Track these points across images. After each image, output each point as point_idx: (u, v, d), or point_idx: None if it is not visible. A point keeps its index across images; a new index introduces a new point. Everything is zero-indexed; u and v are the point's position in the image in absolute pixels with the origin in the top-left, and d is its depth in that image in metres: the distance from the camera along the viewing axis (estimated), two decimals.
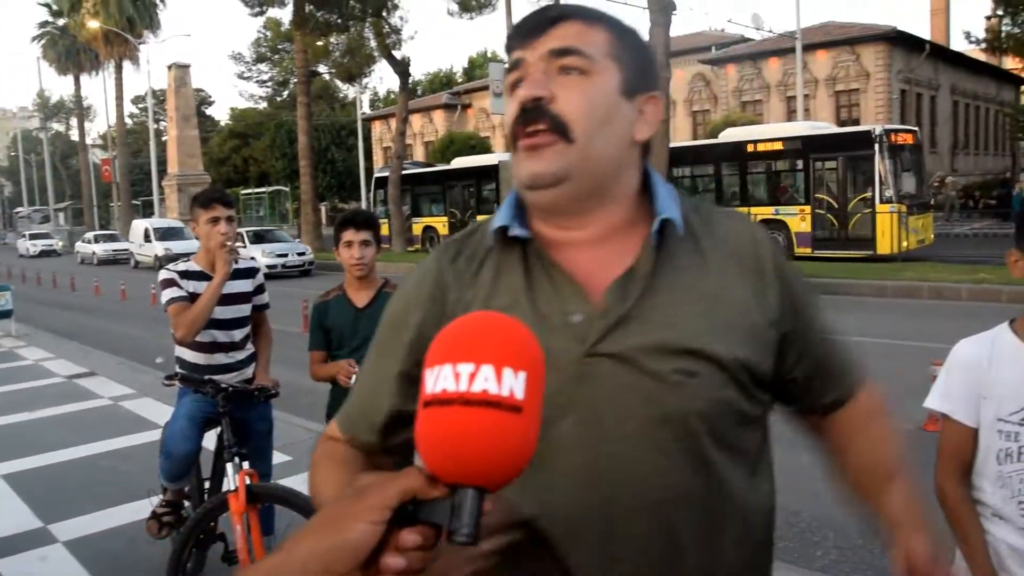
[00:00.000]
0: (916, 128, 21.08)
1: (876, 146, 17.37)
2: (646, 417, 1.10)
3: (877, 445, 1.37)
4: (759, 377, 1.18)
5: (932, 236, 19.37)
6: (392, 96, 57.23)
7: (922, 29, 56.25)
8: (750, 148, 20.16)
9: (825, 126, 21.64)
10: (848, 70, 34.44)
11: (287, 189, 46.88)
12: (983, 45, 32.11)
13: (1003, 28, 30.52)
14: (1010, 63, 40.41)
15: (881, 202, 17.47)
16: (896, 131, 18.65)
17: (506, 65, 1.23)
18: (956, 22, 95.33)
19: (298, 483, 5.07)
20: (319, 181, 38.41)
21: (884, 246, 17.53)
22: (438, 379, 0.75)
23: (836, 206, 18.45)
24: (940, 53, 38.10)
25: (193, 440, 3.93)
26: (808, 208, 18.70)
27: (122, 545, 4.57)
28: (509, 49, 1.22)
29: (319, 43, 31.50)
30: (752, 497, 1.21)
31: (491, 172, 24.36)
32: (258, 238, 25.63)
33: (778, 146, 19.68)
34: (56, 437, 6.81)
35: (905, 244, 17.23)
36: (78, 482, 5.61)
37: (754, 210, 18.76)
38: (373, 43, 31.32)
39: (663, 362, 1.10)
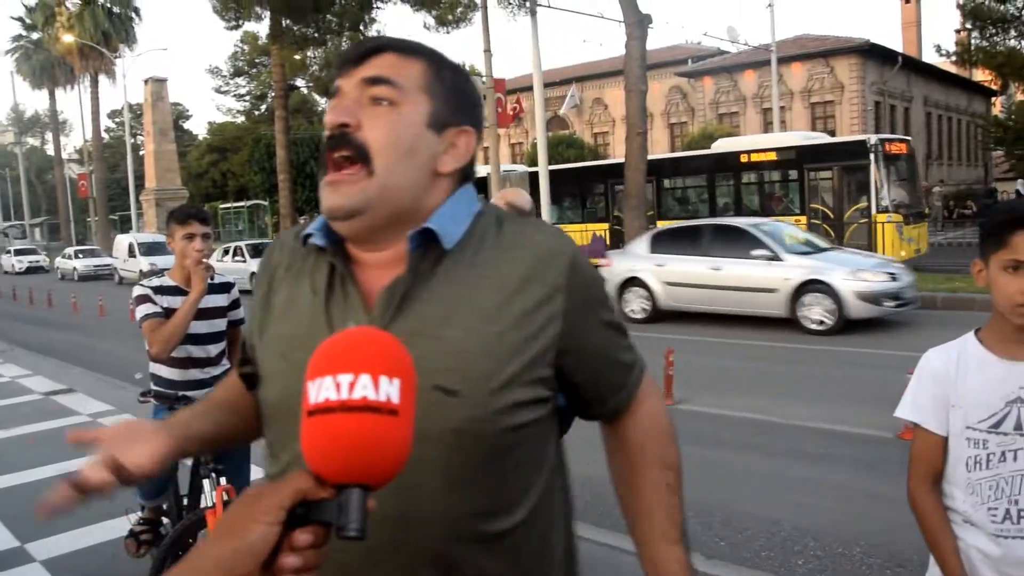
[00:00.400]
0: (909, 138, 21.06)
1: (872, 156, 17.27)
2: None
3: (652, 498, 1.37)
4: (532, 391, 1.19)
5: (926, 246, 19.24)
6: None
7: (895, 42, 56.91)
8: (744, 158, 20.05)
9: (819, 136, 21.52)
10: (823, 82, 34.81)
11: (266, 203, 46.68)
12: (954, 58, 32.55)
13: (972, 41, 30.95)
14: (980, 75, 40.95)
15: (878, 212, 17.40)
16: (891, 140, 18.59)
17: (332, 89, 1.26)
18: (927, 35, 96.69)
19: None
20: (298, 195, 38.28)
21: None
22: (320, 390, 0.81)
23: (832, 216, 18.40)
24: (912, 65, 38.62)
25: None
26: (804, 219, 18.52)
27: (101, 563, 4.52)
28: (336, 75, 1.25)
29: (296, 57, 31.47)
30: (518, 530, 1.21)
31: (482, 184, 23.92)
32: (256, 252, 25.36)
33: (772, 156, 19.58)
34: (32, 455, 6.72)
35: (903, 254, 16.82)
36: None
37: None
38: None
39: (422, 378, 1.06)
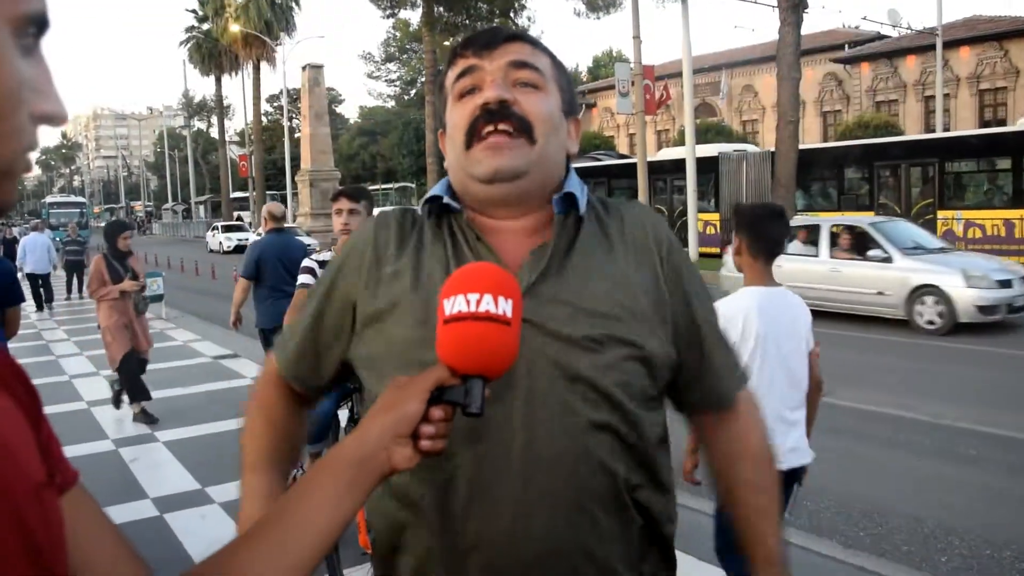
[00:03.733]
0: None
1: None
2: (555, 376, 1.22)
3: (753, 488, 1.43)
4: (655, 359, 1.29)
5: None
6: None
7: None
8: None
9: None
10: (994, 67, 32.77)
11: (413, 186, 48.01)
12: None
13: None
14: None
15: None
16: None
17: (455, 71, 1.34)
18: None
19: None
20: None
21: None
22: (454, 304, 1.01)
23: None
24: None
25: (331, 400, 4.29)
26: None
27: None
28: (458, 57, 1.34)
29: (447, 43, 32.21)
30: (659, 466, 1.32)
31: (711, 164, 22.79)
32: None
33: None
34: (208, 411, 7.44)
35: None
36: (230, 452, 6.02)
37: None
38: None
39: (573, 329, 1.24)
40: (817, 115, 38.41)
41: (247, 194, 54.70)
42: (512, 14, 29.99)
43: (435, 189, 1.37)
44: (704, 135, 30.44)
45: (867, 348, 10.46)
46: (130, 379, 7.29)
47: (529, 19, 44.03)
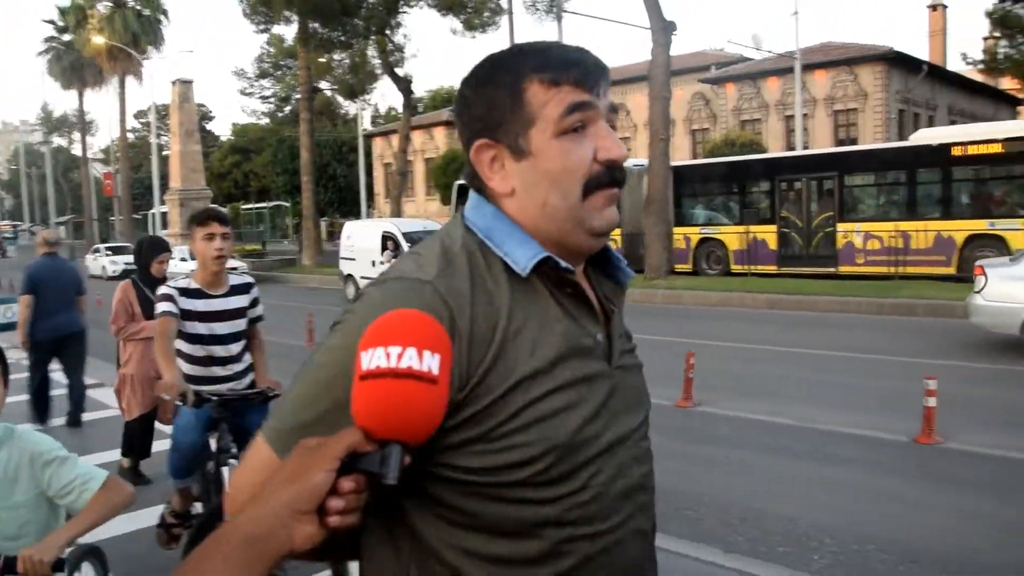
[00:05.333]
0: None
1: None
2: (641, 413, 1.30)
3: None
4: None
5: None
6: (393, 113, 57.59)
7: (920, 50, 56.71)
8: (957, 152, 17.82)
9: None
10: (846, 89, 34.74)
11: (287, 204, 47.08)
12: (981, 66, 32.43)
13: (1000, 50, 30.85)
14: (1007, 84, 40.72)
15: None
16: None
17: (564, 102, 1.17)
18: (953, 43, 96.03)
19: None
20: (320, 196, 38.62)
21: None
22: (372, 358, 0.92)
23: None
24: (937, 73, 38.41)
25: (197, 432, 4.17)
26: None
27: (144, 549, 4.72)
28: (565, 82, 1.17)
29: (322, 60, 31.80)
30: None
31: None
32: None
33: (997, 149, 17.27)
34: (68, 443, 6.99)
35: None
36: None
37: (961, 223, 17.48)
38: (376, 60, 31.63)
39: (637, 367, 1.34)
40: (687, 133, 39.77)
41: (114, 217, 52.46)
42: (388, 31, 29.86)
43: (524, 246, 1.18)
44: None
45: (734, 356, 10.89)
46: (138, 436, 6.29)
47: (405, 36, 43.98)
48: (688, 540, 4.72)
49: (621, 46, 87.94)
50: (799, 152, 24.78)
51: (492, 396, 1.08)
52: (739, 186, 21.72)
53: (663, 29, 19.04)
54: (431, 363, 0.92)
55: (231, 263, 4.17)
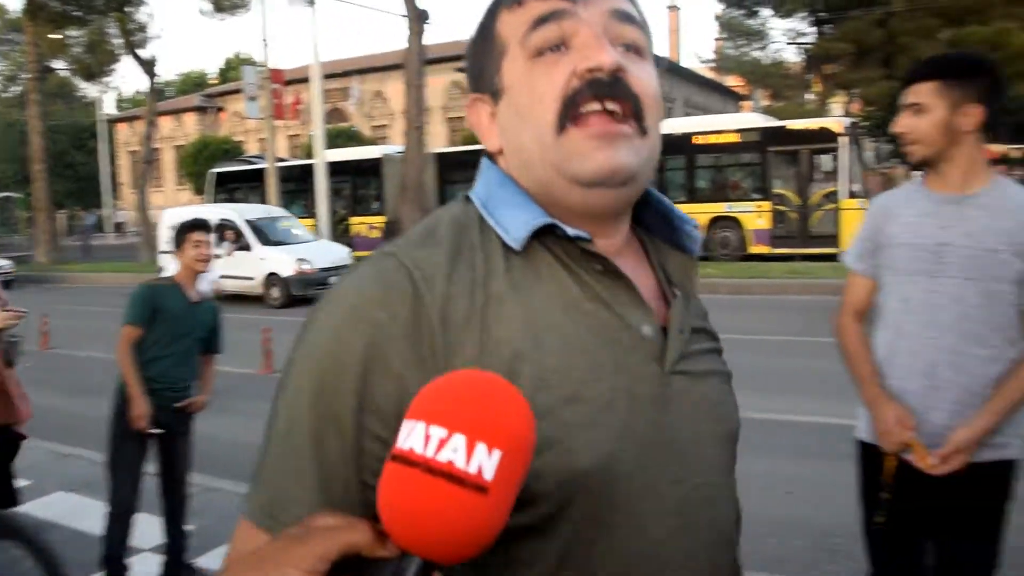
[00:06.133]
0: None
1: (842, 140, 17.36)
2: (716, 437, 0.98)
3: None
4: None
5: None
6: (139, 97, 54.18)
7: (660, 47, 60.95)
8: (698, 140, 19.31)
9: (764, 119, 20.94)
10: None
11: (19, 196, 43.12)
12: (711, 64, 35.52)
13: (726, 51, 33.93)
14: (731, 81, 44.81)
15: (847, 198, 17.32)
16: (857, 124, 18.77)
17: (530, 15, 0.94)
18: (690, 43, 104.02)
19: (38, 507, 5.06)
20: (56, 187, 35.70)
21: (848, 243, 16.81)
22: (410, 435, 0.67)
23: (797, 202, 18.14)
24: (674, 69, 41.52)
25: None
26: (768, 204, 18.38)
27: None
28: None
29: (54, 36, 29.38)
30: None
31: (374, 167, 23.27)
32: None
33: (733, 138, 19.09)
34: None
35: None
36: None
37: (703, 206, 18.62)
38: (117, 40, 29.68)
39: (717, 374, 1.02)
40: (443, 121, 40.45)
41: None
42: (129, 8, 28.05)
43: (518, 211, 0.93)
44: (334, 140, 30.83)
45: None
46: None
47: (150, 15, 41.53)
48: None
49: (381, 34, 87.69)
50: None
51: None
52: None
53: (417, 18, 19.29)
54: (484, 463, 0.65)
55: None
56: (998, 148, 25.81)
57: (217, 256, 16.15)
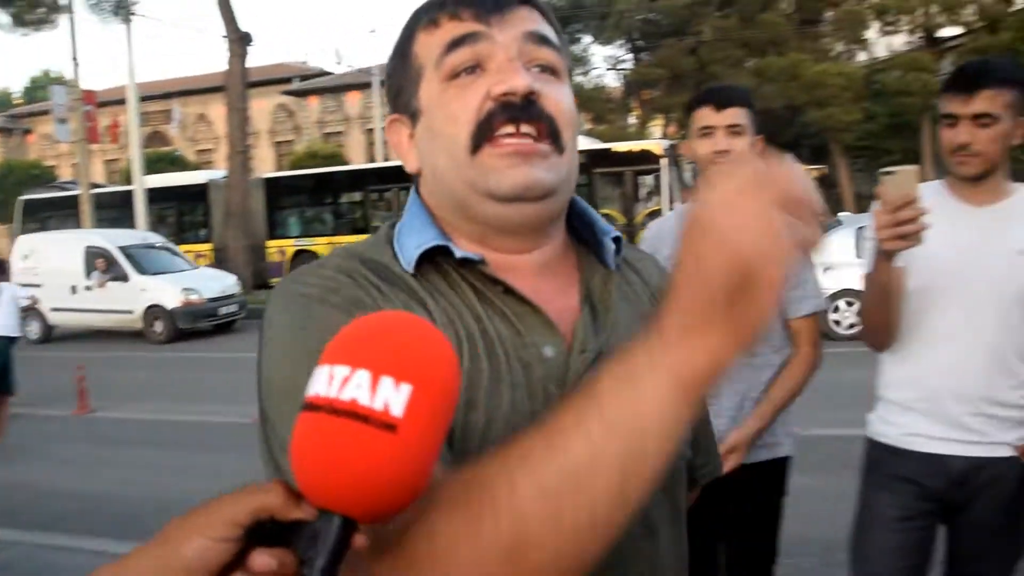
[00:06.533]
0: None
1: (663, 161, 17.94)
2: None
3: None
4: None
5: None
6: None
7: None
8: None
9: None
10: None
11: None
12: None
13: None
14: None
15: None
16: (675, 146, 19.06)
17: (443, 37, 0.96)
18: None
19: None
20: None
21: None
22: (315, 380, 0.64)
23: (622, 221, 18.39)
24: None
25: None
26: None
27: None
28: (444, 16, 0.97)
29: None
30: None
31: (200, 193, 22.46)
32: None
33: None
34: None
35: None
36: None
37: None
38: None
39: None
40: (270, 145, 39.58)
41: None
42: None
43: (416, 232, 0.97)
44: (156, 165, 29.58)
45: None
46: None
47: None
48: None
49: (204, 55, 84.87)
50: (391, 163, 26.07)
51: None
52: (332, 197, 22.29)
53: (239, 40, 18.89)
54: (390, 398, 0.61)
55: None
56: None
57: (87, 288, 14.93)
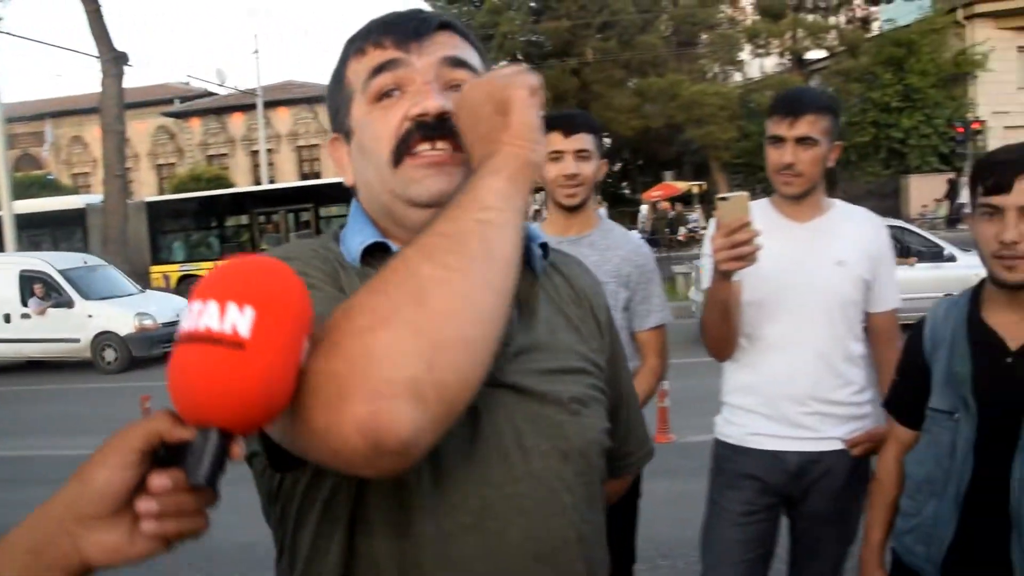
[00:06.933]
0: None
1: None
2: (550, 451, 1.03)
3: None
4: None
5: None
6: None
7: None
8: None
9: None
10: (308, 126, 36.55)
11: None
12: None
13: None
14: None
15: None
16: None
17: (369, 64, 1.09)
18: None
19: None
20: None
21: None
22: (183, 317, 0.75)
23: None
24: None
25: None
26: None
27: None
28: (370, 45, 1.10)
29: None
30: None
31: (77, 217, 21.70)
32: None
33: None
34: None
35: None
36: None
37: None
38: None
39: (562, 391, 1.07)
40: (152, 168, 38.44)
41: None
42: None
43: (359, 231, 1.10)
44: (27, 189, 28.36)
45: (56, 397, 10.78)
46: None
47: None
48: None
49: (81, 75, 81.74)
50: (278, 185, 25.82)
51: None
52: (218, 220, 21.85)
53: (114, 60, 18.30)
54: (236, 321, 0.72)
55: None
56: (683, 184, 28.89)
57: (24, 316, 13.53)
